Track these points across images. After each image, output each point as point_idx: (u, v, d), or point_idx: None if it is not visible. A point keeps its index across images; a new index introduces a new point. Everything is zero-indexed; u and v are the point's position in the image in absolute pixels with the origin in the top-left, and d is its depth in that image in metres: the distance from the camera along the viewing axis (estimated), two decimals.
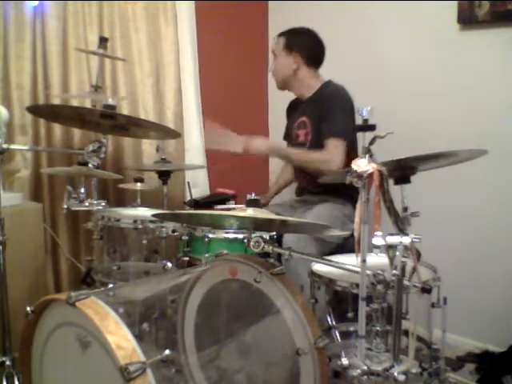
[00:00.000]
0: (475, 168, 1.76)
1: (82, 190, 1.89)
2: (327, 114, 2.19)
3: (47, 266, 2.35)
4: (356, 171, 1.13)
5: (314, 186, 2.29)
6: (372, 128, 1.16)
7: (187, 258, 1.95)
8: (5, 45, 2.22)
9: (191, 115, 2.77)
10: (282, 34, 2.37)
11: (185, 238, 1.95)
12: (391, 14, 2.55)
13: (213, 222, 1.74)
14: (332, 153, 2.12)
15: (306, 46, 2.33)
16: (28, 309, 1.17)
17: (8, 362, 1.57)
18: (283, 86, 2.41)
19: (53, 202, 2.38)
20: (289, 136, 2.51)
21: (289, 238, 1.92)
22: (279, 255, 1.55)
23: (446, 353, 1.50)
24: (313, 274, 1.58)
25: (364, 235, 1.13)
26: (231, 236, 1.87)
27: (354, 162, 1.14)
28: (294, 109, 2.49)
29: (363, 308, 1.15)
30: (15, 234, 1.71)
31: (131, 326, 1.09)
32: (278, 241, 1.90)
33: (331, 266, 1.43)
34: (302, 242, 1.91)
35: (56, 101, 2.39)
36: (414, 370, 1.18)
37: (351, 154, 2.12)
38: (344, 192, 2.12)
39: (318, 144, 2.20)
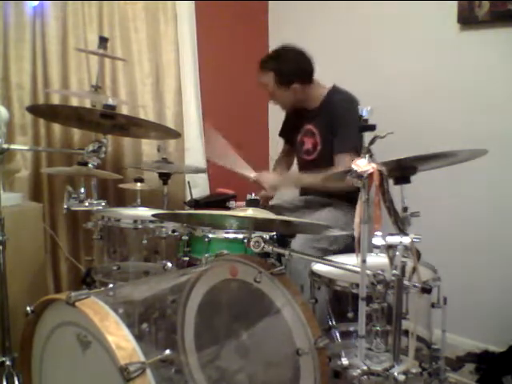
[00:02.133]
0: (475, 168, 1.76)
1: (82, 190, 1.89)
2: (338, 128, 2.15)
3: (47, 265, 2.35)
4: (356, 171, 1.13)
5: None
6: (372, 128, 1.16)
7: (187, 258, 1.95)
8: (5, 45, 2.22)
9: (191, 115, 2.77)
10: (267, 69, 2.27)
11: (185, 237, 1.95)
12: (391, 13, 2.55)
13: (213, 221, 1.74)
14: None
15: (295, 71, 2.25)
16: (28, 309, 1.17)
17: (8, 362, 1.56)
18: (290, 108, 2.41)
19: (53, 202, 2.38)
20: (286, 135, 2.51)
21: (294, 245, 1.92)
22: (279, 255, 1.54)
23: (445, 353, 1.49)
24: (313, 273, 1.58)
25: (364, 235, 1.13)
26: (231, 236, 1.87)
27: (354, 162, 1.14)
28: (298, 113, 2.40)
29: (363, 308, 1.15)
30: (15, 234, 1.70)
31: (131, 327, 1.09)
32: (283, 245, 1.89)
33: (331, 265, 1.43)
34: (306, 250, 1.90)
35: (56, 98, 2.38)
36: (414, 370, 1.18)
37: None
38: (347, 194, 2.11)
39: (327, 156, 2.19)
